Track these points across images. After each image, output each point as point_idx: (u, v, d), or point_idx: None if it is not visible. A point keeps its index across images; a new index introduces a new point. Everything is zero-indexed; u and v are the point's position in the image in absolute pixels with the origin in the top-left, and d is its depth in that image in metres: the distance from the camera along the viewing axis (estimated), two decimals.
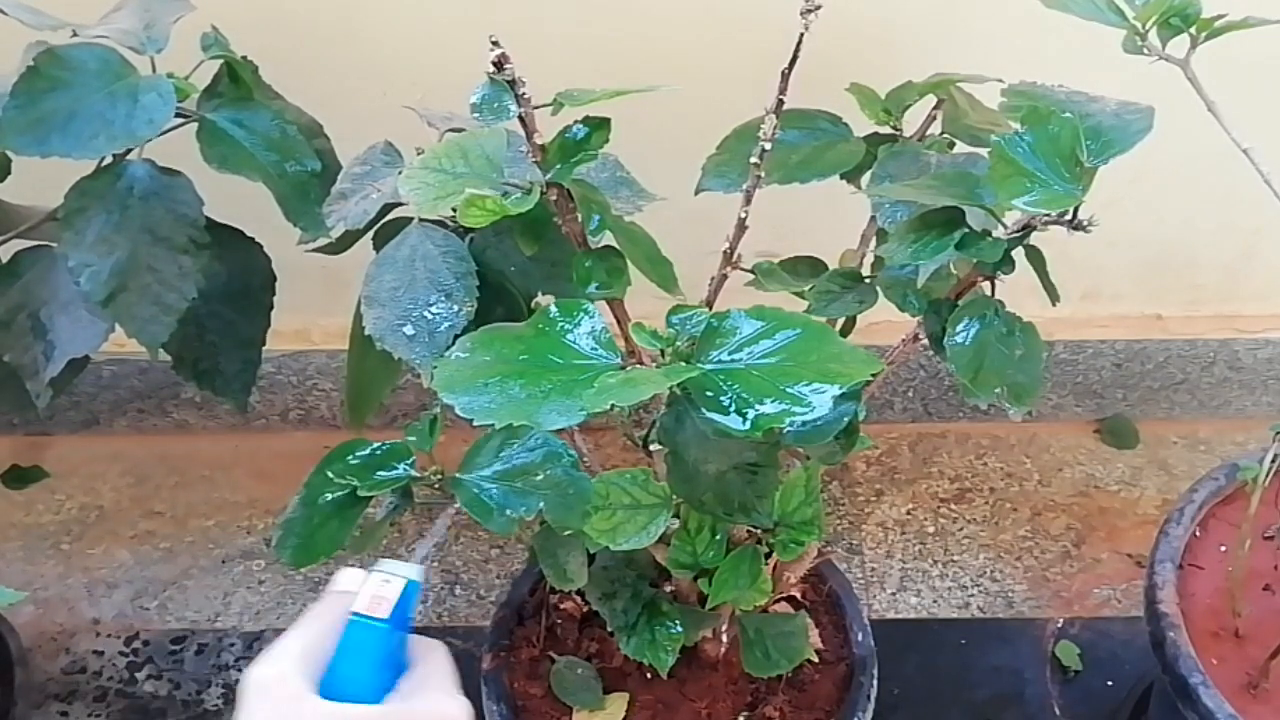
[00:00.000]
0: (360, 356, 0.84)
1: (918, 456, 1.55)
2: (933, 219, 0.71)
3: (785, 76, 0.66)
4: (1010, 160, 0.65)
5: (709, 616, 0.92)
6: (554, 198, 0.67)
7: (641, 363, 0.64)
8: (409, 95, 0.86)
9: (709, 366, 0.59)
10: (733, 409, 0.56)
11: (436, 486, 0.77)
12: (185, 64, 0.84)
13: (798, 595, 1.08)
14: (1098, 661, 1.31)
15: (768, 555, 0.85)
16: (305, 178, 0.85)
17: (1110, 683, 1.29)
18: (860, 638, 1.05)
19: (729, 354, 0.59)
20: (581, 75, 0.74)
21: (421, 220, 0.76)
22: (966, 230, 0.70)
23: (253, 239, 0.92)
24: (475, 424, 0.56)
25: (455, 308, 0.73)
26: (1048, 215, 0.67)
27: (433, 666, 0.57)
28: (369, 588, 0.57)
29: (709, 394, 0.58)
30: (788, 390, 0.56)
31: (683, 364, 0.60)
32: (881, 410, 1.56)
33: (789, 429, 0.71)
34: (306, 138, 0.86)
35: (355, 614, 0.56)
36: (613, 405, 0.53)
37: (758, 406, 0.56)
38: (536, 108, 0.64)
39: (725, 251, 0.73)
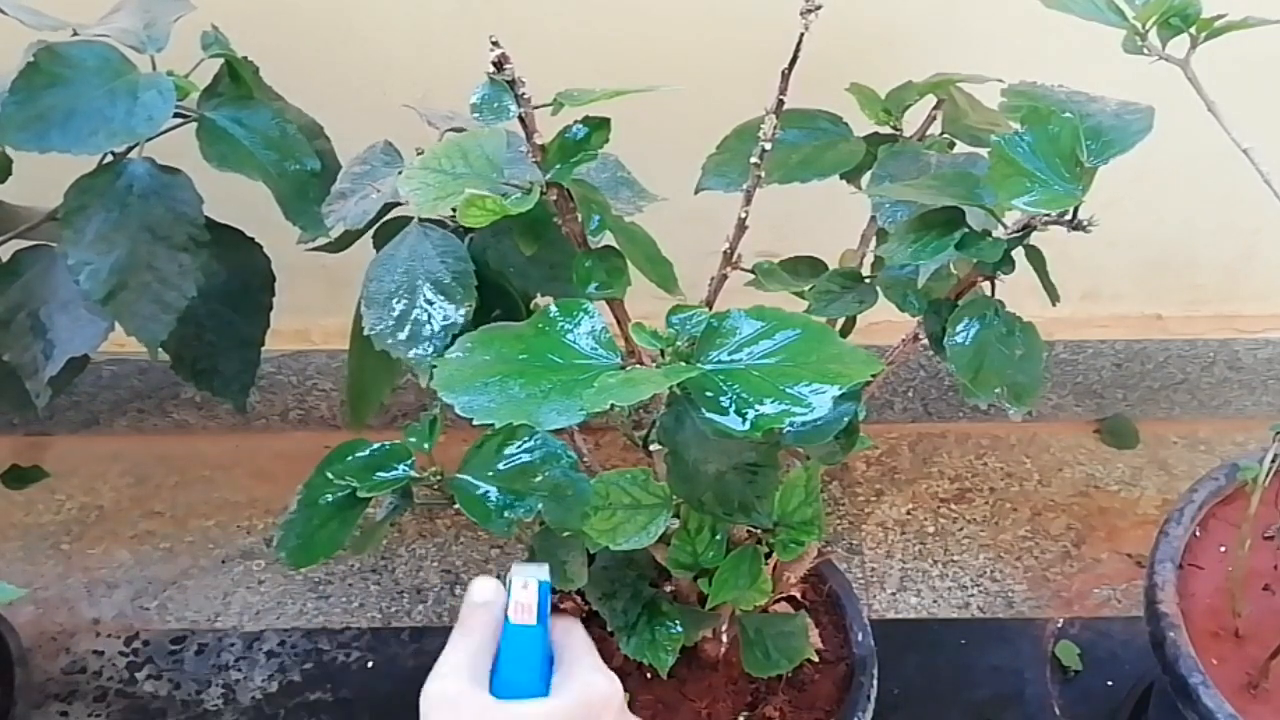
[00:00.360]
0: (360, 356, 0.84)
1: (918, 456, 1.55)
2: (933, 219, 0.71)
3: (785, 76, 0.66)
4: (1010, 160, 0.65)
5: (709, 616, 0.92)
6: (554, 198, 0.66)
7: (641, 363, 0.64)
8: (409, 95, 0.86)
9: (709, 367, 0.59)
10: (732, 409, 0.56)
11: (436, 487, 0.77)
12: (185, 63, 0.84)
13: (798, 595, 1.08)
14: (1098, 661, 1.31)
15: (768, 555, 0.85)
16: (305, 177, 0.85)
17: (1110, 683, 1.29)
18: (860, 638, 1.05)
19: (729, 354, 0.59)
20: (581, 75, 0.74)
21: (421, 220, 0.76)
22: (966, 230, 0.70)
23: (252, 239, 0.92)
24: (475, 423, 0.56)
25: (454, 308, 0.73)
26: (1048, 215, 0.67)
27: (577, 649, 0.62)
28: (514, 596, 0.63)
29: (709, 394, 0.58)
30: (787, 391, 0.56)
31: (683, 364, 0.60)
32: (881, 410, 1.56)
33: (789, 429, 0.71)
34: (306, 137, 0.86)
35: (510, 623, 0.62)
36: (612, 405, 0.53)
37: (757, 407, 0.56)
38: (536, 108, 0.64)
39: (725, 251, 0.73)
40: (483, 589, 0.63)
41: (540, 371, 0.58)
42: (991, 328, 0.73)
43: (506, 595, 0.63)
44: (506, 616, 0.62)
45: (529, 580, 0.63)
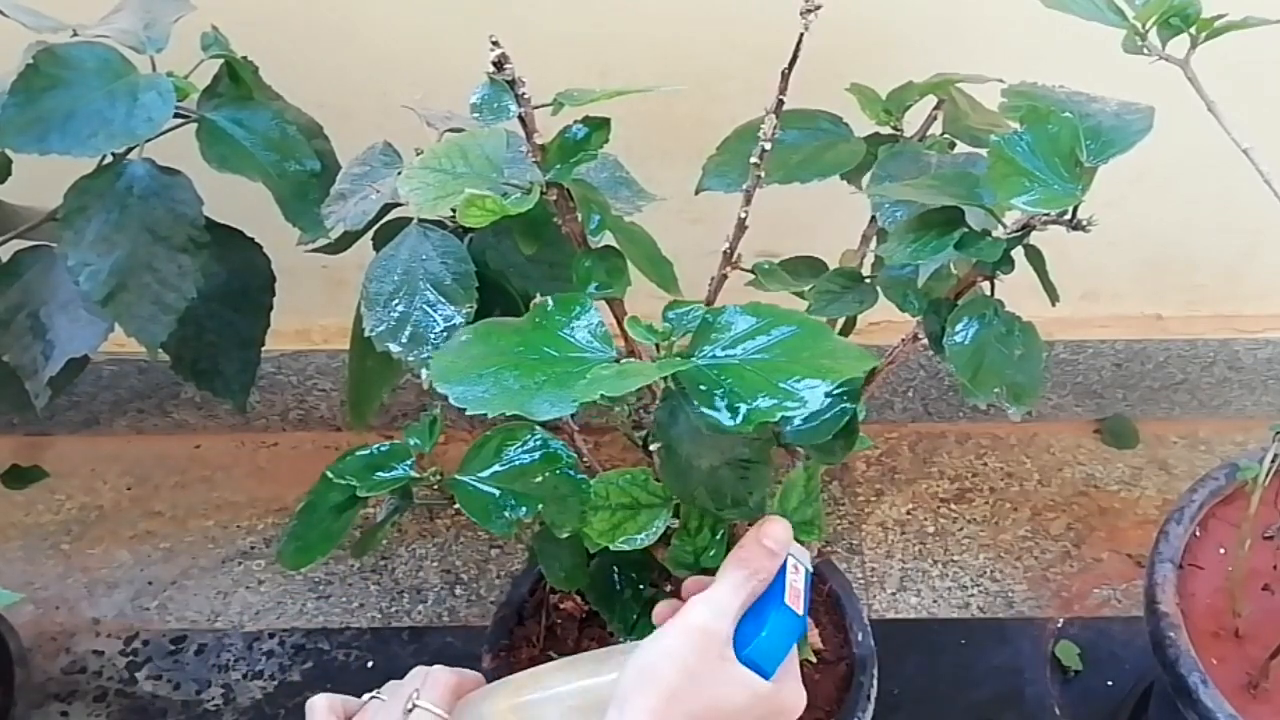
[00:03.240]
0: (360, 357, 0.84)
1: (918, 456, 1.55)
2: (933, 219, 0.71)
3: (785, 76, 0.66)
4: (1010, 160, 0.65)
5: None
6: (554, 198, 0.66)
7: (638, 358, 0.64)
8: (409, 95, 0.86)
9: (702, 361, 0.59)
10: (725, 404, 0.56)
11: (436, 487, 0.77)
12: (185, 63, 0.84)
13: None
14: (1098, 661, 1.31)
15: None
16: (305, 178, 0.85)
17: (1110, 683, 1.29)
18: (860, 638, 1.05)
19: (723, 349, 0.59)
20: (581, 75, 0.74)
21: (420, 221, 0.76)
22: (966, 230, 0.70)
23: (252, 239, 0.92)
24: (469, 414, 0.56)
25: (454, 308, 0.73)
26: (1047, 215, 0.67)
27: (790, 659, 0.63)
28: (788, 576, 0.62)
29: (702, 388, 0.58)
30: (780, 385, 0.56)
31: (676, 358, 0.60)
32: (881, 410, 1.56)
33: (787, 426, 0.71)
34: (306, 138, 0.86)
35: (784, 603, 0.62)
36: (604, 396, 0.54)
37: (750, 401, 0.56)
38: (536, 108, 0.64)
39: (725, 251, 0.73)
40: (777, 531, 0.63)
41: (535, 364, 0.58)
42: (991, 328, 0.72)
43: (783, 566, 0.62)
44: (781, 591, 0.62)
45: (800, 565, 0.63)
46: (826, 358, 0.58)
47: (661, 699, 0.56)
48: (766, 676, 0.59)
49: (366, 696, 0.63)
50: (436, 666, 0.64)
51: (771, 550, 0.62)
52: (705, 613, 0.59)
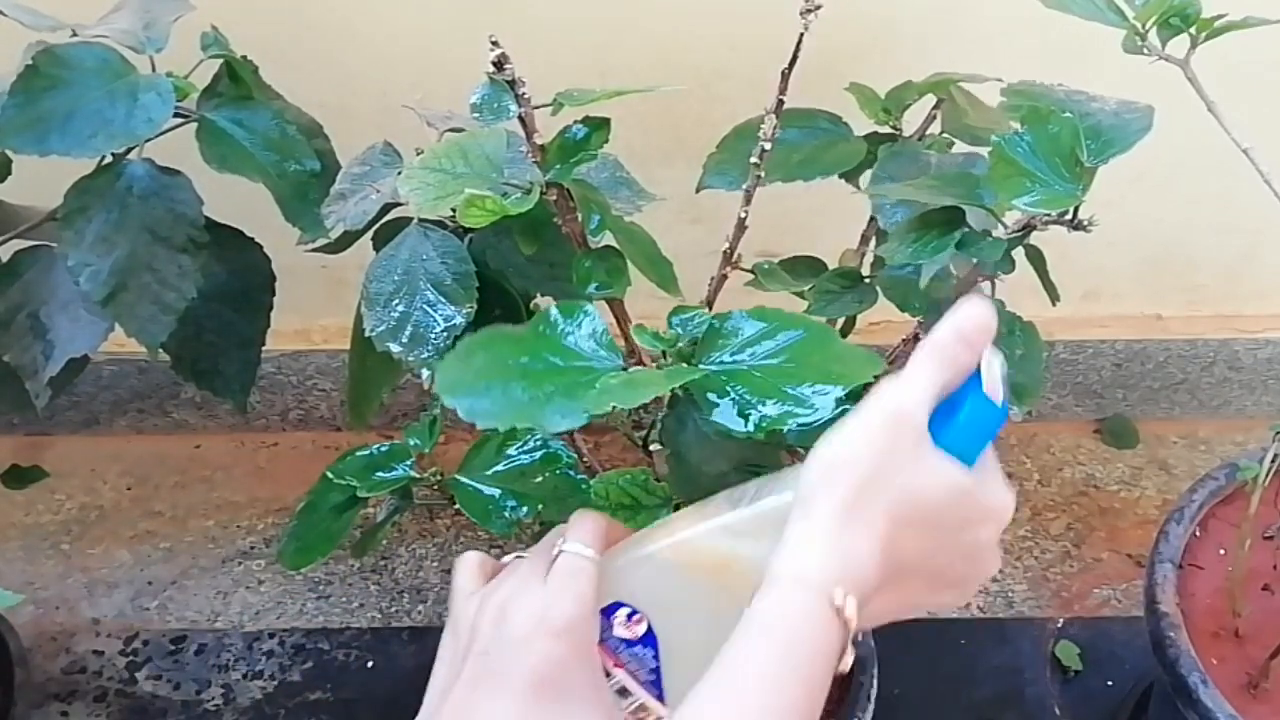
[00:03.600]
0: (360, 357, 0.84)
1: None
2: (933, 219, 0.71)
3: (785, 76, 0.66)
4: (1010, 160, 0.65)
5: None
6: (554, 198, 0.67)
7: (642, 363, 0.64)
8: (409, 95, 0.86)
9: (711, 368, 0.59)
10: (735, 410, 0.56)
11: (436, 487, 0.77)
12: (185, 63, 0.84)
13: None
14: (1098, 661, 1.31)
15: None
16: (305, 178, 0.85)
17: (1110, 683, 1.29)
18: (860, 638, 1.05)
19: (731, 355, 0.59)
20: (581, 75, 0.74)
21: (420, 221, 0.76)
22: (966, 230, 0.70)
23: (252, 239, 0.92)
24: (478, 427, 0.56)
25: (454, 308, 0.73)
26: (1048, 215, 0.67)
27: (991, 457, 0.54)
28: (985, 370, 0.53)
29: (711, 395, 0.58)
30: (790, 391, 0.56)
31: (685, 365, 0.60)
32: None
33: (791, 430, 0.71)
34: (306, 138, 0.86)
35: (983, 392, 0.53)
36: (614, 407, 0.53)
37: (760, 408, 0.56)
38: (536, 108, 0.64)
39: (725, 251, 0.73)
40: (979, 318, 0.52)
41: (542, 374, 0.58)
42: None
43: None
44: (977, 383, 0.52)
45: (994, 362, 0.54)
46: (835, 363, 0.58)
47: (852, 489, 0.48)
48: (967, 466, 0.51)
49: (510, 557, 0.57)
50: (580, 510, 0.57)
51: (969, 341, 0.51)
52: (898, 393, 0.50)
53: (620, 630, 0.54)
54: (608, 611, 0.54)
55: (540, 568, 0.52)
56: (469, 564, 0.56)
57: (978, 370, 0.53)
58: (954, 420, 0.52)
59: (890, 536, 0.48)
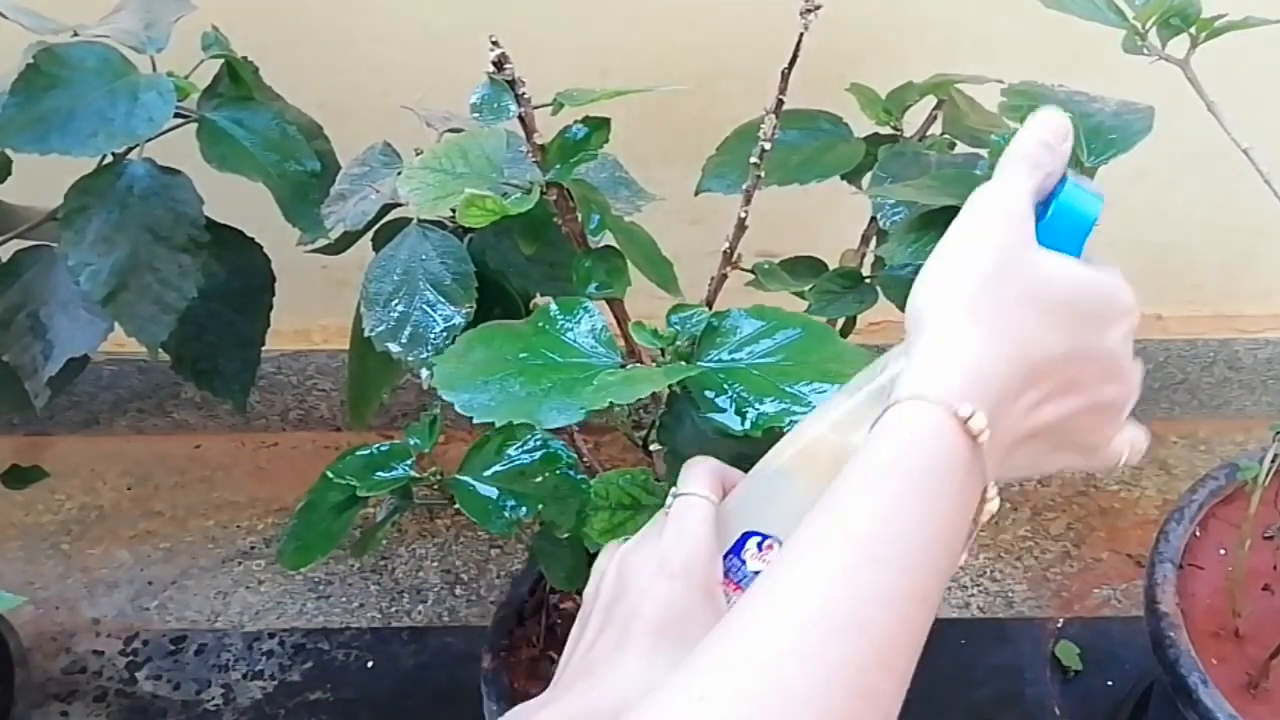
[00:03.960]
0: (360, 357, 0.84)
1: None
2: (933, 219, 0.71)
3: (785, 76, 0.66)
4: None
5: None
6: (554, 198, 0.67)
7: (641, 361, 0.64)
8: (409, 96, 0.86)
9: (709, 365, 0.59)
10: (732, 408, 0.56)
11: (436, 487, 0.77)
12: (185, 63, 0.84)
13: None
14: (1098, 661, 1.31)
15: None
16: (305, 178, 0.85)
17: (1110, 683, 1.29)
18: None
19: (729, 353, 0.60)
20: (581, 75, 0.74)
21: (420, 221, 0.76)
22: None
23: (252, 239, 0.92)
24: (475, 422, 0.56)
25: (454, 308, 0.73)
26: None
27: (1103, 258, 0.50)
28: (1071, 176, 0.49)
29: (709, 393, 0.58)
30: (787, 390, 0.56)
31: (683, 363, 0.60)
32: None
33: (789, 428, 0.71)
34: (306, 138, 0.86)
35: (1072, 181, 0.49)
36: (612, 404, 0.53)
37: (757, 406, 0.56)
38: (536, 108, 0.64)
39: (725, 251, 0.73)
40: (1057, 122, 0.48)
41: (540, 370, 0.58)
42: None
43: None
44: (1065, 177, 0.48)
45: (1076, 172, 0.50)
46: (833, 361, 0.58)
47: (971, 291, 0.43)
48: (1080, 244, 0.47)
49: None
50: (691, 459, 0.53)
51: (1051, 144, 0.47)
52: (998, 192, 0.45)
53: (753, 563, 0.50)
54: (737, 547, 0.51)
55: (660, 522, 0.50)
56: (704, 471, 0.52)
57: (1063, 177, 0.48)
58: (1053, 213, 0.47)
59: (1021, 336, 0.42)
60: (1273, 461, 0.94)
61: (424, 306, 0.74)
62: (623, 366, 0.59)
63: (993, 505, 0.42)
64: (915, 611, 0.39)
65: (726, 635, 0.38)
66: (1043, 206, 0.48)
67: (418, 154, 0.71)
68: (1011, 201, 0.45)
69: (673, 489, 0.51)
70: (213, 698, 1.30)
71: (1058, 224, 0.47)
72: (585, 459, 0.83)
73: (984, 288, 0.43)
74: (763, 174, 0.70)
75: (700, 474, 0.51)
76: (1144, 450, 0.49)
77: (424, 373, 0.73)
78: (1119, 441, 0.48)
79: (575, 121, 0.67)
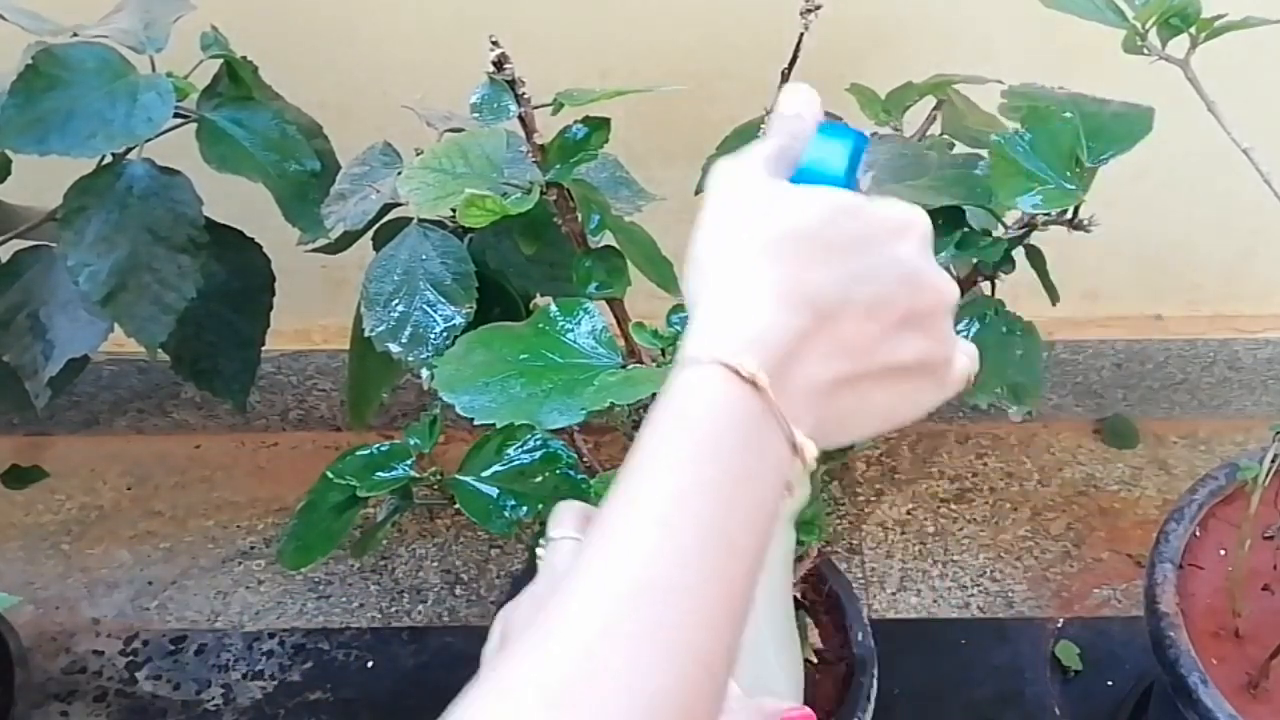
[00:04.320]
0: (360, 357, 0.84)
1: (918, 456, 1.55)
2: (933, 219, 0.71)
3: (785, 76, 0.66)
4: (1011, 160, 0.65)
5: None
6: (554, 198, 0.67)
7: (641, 361, 0.64)
8: (409, 95, 0.86)
9: None
10: None
11: (436, 487, 0.77)
12: (185, 64, 0.84)
13: (798, 595, 1.08)
14: (1098, 661, 1.31)
15: None
16: (304, 178, 0.85)
17: (1110, 683, 1.29)
18: (860, 638, 1.05)
19: None
20: (581, 75, 0.74)
21: (420, 221, 0.76)
22: (967, 230, 0.70)
23: (252, 239, 0.92)
24: (476, 423, 0.56)
25: (454, 308, 0.73)
26: (1048, 215, 0.67)
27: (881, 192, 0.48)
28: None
29: None
30: None
31: None
32: None
33: None
34: (306, 138, 0.86)
35: (827, 120, 0.48)
36: (612, 404, 0.53)
37: None
38: (536, 108, 0.64)
39: None
40: (794, 98, 0.48)
41: (540, 371, 0.58)
42: (991, 328, 0.73)
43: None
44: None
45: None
46: None
47: (712, 254, 0.43)
48: (839, 183, 0.46)
49: None
50: (560, 503, 0.51)
51: (786, 115, 0.48)
52: (722, 161, 0.47)
53: None
54: None
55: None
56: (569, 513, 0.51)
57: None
58: (809, 152, 0.47)
59: (783, 277, 0.42)
60: (1273, 461, 0.94)
61: (424, 306, 0.74)
62: (623, 367, 0.59)
63: (810, 451, 0.41)
64: (726, 564, 0.38)
65: (534, 628, 0.37)
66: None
67: (418, 154, 0.71)
68: (739, 162, 0.46)
69: (542, 538, 0.50)
70: (213, 698, 1.30)
71: (818, 158, 0.46)
72: (585, 459, 0.83)
73: (725, 245, 0.43)
74: None
75: (567, 516, 0.50)
76: (975, 361, 0.48)
77: (424, 373, 0.73)
78: (959, 358, 0.46)
79: (575, 121, 0.67)
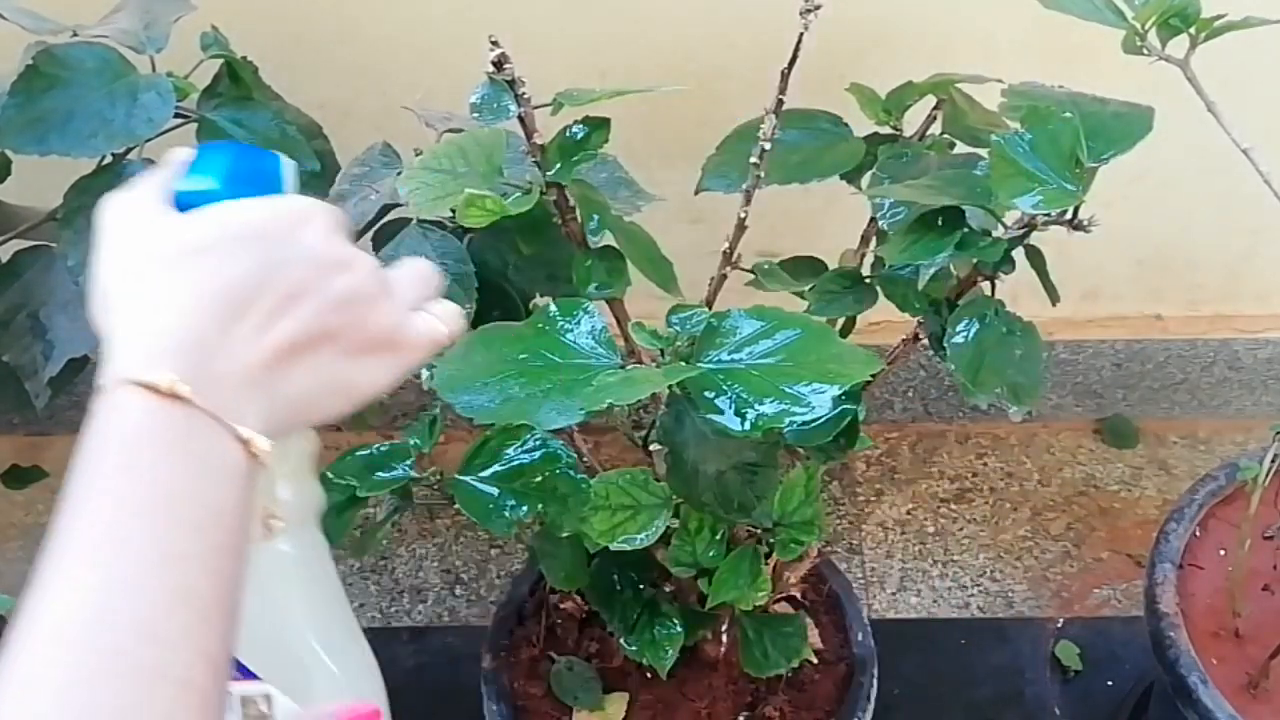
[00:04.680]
0: None
1: (918, 456, 1.55)
2: (933, 219, 0.71)
3: (785, 76, 0.66)
4: (1011, 160, 0.65)
5: (709, 617, 0.92)
6: (554, 198, 0.67)
7: (641, 362, 0.64)
8: (408, 96, 0.86)
9: (708, 366, 0.59)
10: (732, 409, 0.56)
11: (436, 487, 0.77)
12: (185, 63, 0.84)
13: (798, 595, 1.08)
14: (1098, 661, 1.31)
15: (768, 555, 0.85)
16: (304, 178, 0.84)
17: (1110, 683, 1.29)
18: (860, 638, 1.05)
19: (729, 354, 0.59)
20: (581, 75, 0.74)
21: (420, 221, 0.76)
22: (966, 230, 0.70)
23: None
24: (475, 423, 0.56)
25: None
26: (1048, 215, 0.67)
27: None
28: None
29: (708, 394, 0.58)
30: (787, 390, 0.56)
31: (682, 363, 0.60)
32: (881, 410, 1.56)
33: (789, 427, 0.71)
34: (306, 138, 0.86)
35: (223, 145, 0.52)
36: (611, 405, 0.53)
37: (757, 406, 0.56)
38: (536, 108, 0.64)
39: (725, 251, 0.73)
40: (173, 150, 0.52)
41: (540, 371, 0.58)
42: (991, 328, 0.73)
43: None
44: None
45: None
46: (833, 362, 0.58)
47: (119, 283, 0.46)
48: (221, 197, 0.47)
49: None
50: None
51: (168, 161, 0.51)
52: (111, 201, 0.50)
53: None
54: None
55: None
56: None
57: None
58: (184, 179, 0.49)
59: (185, 283, 0.43)
60: (1273, 461, 0.94)
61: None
62: (622, 367, 0.59)
63: (260, 443, 0.42)
64: (183, 579, 0.39)
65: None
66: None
67: (418, 154, 0.71)
68: (131, 196, 0.49)
69: None
70: None
71: (188, 194, 0.49)
72: (585, 459, 0.83)
73: (136, 268, 0.46)
74: (763, 174, 0.70)
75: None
76: (458, 322, 0.49)
77: (424, 373, 0.73)
78: (416, 328, 0.48)
79: (575, 121, 0.67)
